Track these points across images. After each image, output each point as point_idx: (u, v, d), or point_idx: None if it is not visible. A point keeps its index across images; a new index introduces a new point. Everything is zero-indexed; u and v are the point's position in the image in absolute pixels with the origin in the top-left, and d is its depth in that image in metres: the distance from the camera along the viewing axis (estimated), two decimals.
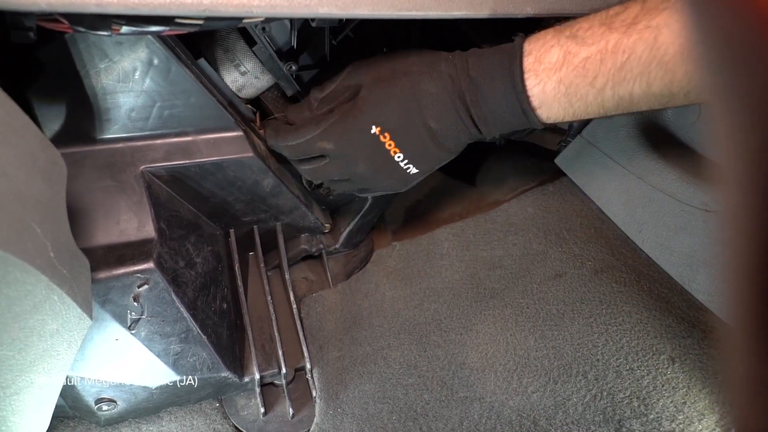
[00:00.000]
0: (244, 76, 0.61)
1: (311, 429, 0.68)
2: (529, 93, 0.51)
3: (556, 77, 0.50)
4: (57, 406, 0.48)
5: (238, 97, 0.64)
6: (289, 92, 0.67)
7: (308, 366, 0.70)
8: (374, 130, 0.56)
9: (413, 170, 0.59)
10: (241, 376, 0.66)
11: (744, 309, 0.15)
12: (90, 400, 0.59)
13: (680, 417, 0.67)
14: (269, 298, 0.72)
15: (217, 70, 0.60)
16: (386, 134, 0.56)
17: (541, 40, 0.51)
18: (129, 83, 0.55)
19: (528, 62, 0.51)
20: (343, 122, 0.57)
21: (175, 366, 0.60)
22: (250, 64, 0.60)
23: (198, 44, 0.59)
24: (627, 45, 0.45)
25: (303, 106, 0.63)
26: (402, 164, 0.58)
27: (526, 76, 0.51)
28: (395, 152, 0.57)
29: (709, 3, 0.14)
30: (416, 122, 0.55)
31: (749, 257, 0.14)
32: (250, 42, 0.60)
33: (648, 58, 0.44)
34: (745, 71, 0.13)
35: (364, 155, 0.58)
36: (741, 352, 0.15)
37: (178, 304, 0.57)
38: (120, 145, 0.59)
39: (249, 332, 0.69)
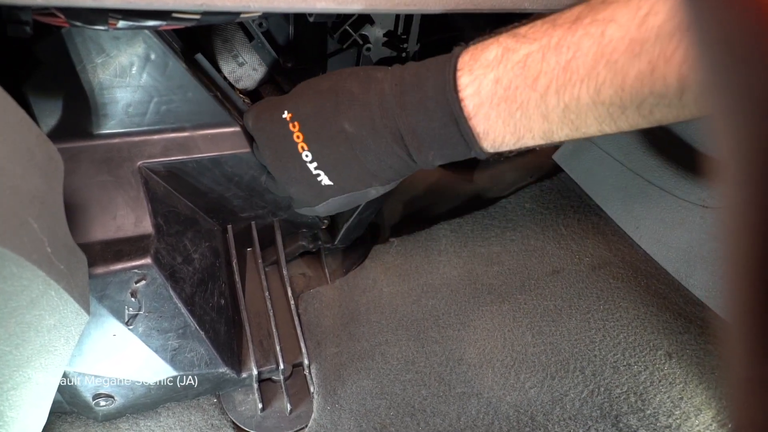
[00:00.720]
0: (242, 68, 0.61)
1: (309, 425, 0.68)
2: (462, 94, 0.45)
3: (493, 75, 0.44)
4: (54, 402, 0.48)
5: (236, 90, 0.64)
6: (286, 87, 0.67)
7: (306, 362, 0.70)
8: (285, 115, 0.52)
9: (325, 180, 0.53)
10: (238, 371, 0.66)
11: (743, 306, 0.15)
12: (87, 395, 0.59)
13: (677, 412, 0.68)
14: (267, 293, 0.72)
15: (215, 60, 0.60)
16: (296, 123, 0.51)
17: (480, 41, 0.46)
18: (126, 78, 0.55)
19: (463, 60, 0.46)
20: (266, 103, 0.56)
21: (173, 362, 0.60)
22: (248, 56, 0.60)
23: (196, 38, 0.59)
24: (572, 41, 0.40)
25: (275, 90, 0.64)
26: (311, 166, 0.52)
27: (459, 73, 0.45)
28: (303, 148, 0.52)
29: (709, 2, 0.14)
30: (328, 119, 0.50)
31: (749, 255, 0.14)
32: (249, 35, 0.60)
33: (595, 56, 0.39)
34: (745, 71, 0.13)
35: (272, 141, 0.54)
36: (739, 349, 0.15)
37: (175, 299, 0.57)
38: (117, 140, 0.58)
39: (247, 328, 0.69)
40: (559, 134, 0.45)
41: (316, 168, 0.52)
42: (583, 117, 0.42)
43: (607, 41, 0.38)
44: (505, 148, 0.47)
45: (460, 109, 0.45)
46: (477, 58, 0.45)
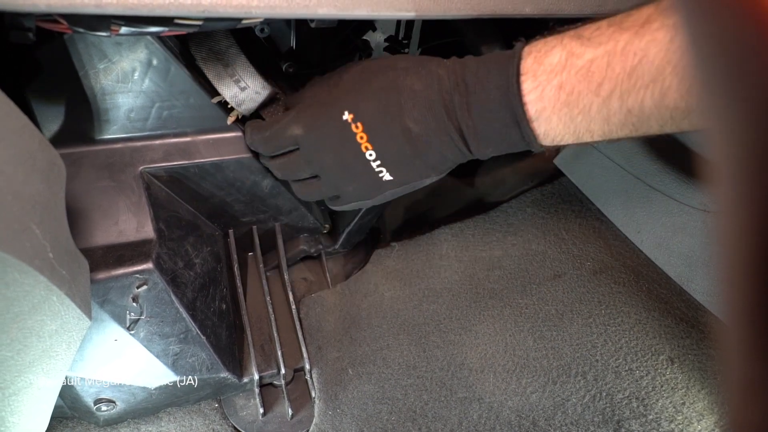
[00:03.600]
0: (244, 92, 0.60)
1: (310, 429, 0.68)
2: (525, 99, 0.45)
3: (557, 81, 0.44)
4: (56, 407, 0.48)
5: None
6: (288, 92, 0.67)
7: (307, 366, 0.70)
8: (346, 116, 0.51)
9: (387, 176, 0.53)
10: (240, 376, 0.66)
11: (741, 309, 0.15)
12: (89, 400, 0.59)
13: (679, 417, 0.67)
14: (268, 298, 0.72)
15: (216, 84, 0.59)
16: (359, 124, 0.51)
17: (542, 41, 0.46)
18: (128, 84, 0.55)
19: (526, 64, 0.46)
20: (316, 106, 0.54)
21: (174, 366, 0.60)
22: (250, 80, 0.60)
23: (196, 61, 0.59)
24: (639, 47, 0.40)
25: (279, 107, 0.62)
26: (374, 164, 0.52)
27: (522, 78, 0.45)
28: (366, 147, 0.51)
29: (705, 3, 0.14)
30: (393, 119, 0.50)
31: (746, 256, 0.14)
32: (251, 59, 0.59)
33: (662, 62, 0.39)
34: (740, 73, 0.13)
35: (333, 144, 0.53)
36: (739, 352, 0.15)
37: (177, 304, 0.57)
38: (119, 145, 0.59)
39: (248, 333, 0.69)
40: (619, 134, 0.45)
41: (378, 165, 0.53)
42: (646, 120, 0.42)
43: (676, 47, 0.38)
44: (563, 144, 0.48)
45: (523, 113, 0.46)
46: (540, 61, 0.45)
